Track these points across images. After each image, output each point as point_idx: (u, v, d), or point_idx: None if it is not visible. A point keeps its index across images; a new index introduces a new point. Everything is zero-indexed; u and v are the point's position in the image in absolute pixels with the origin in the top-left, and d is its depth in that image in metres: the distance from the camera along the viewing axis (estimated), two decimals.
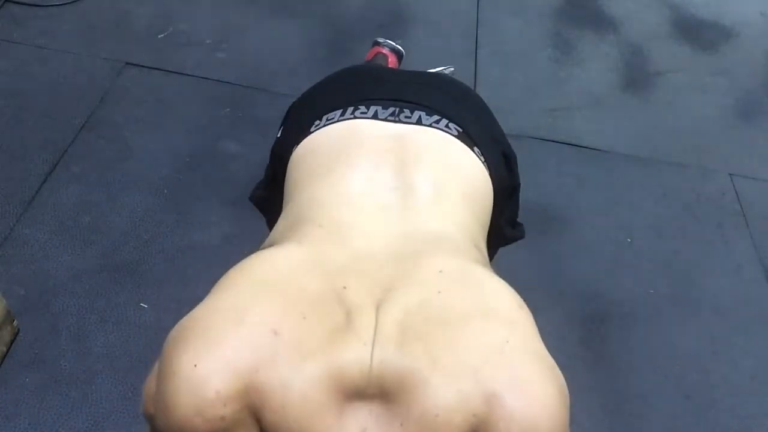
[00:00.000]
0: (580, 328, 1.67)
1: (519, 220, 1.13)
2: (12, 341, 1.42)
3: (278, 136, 1.07)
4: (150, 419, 0.66)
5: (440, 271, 0.69)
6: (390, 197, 0.82)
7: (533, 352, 0.65)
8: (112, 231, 1.66)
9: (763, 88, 2.50)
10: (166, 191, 1.78)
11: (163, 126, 1.95)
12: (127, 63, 2.10)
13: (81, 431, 1.33)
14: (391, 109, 0.93)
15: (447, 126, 0.92)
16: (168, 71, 2.10)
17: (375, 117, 0.92)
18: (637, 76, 2.44)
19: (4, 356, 1.40)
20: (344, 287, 0.67)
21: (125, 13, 2.29)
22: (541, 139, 2.14)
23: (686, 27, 2.71)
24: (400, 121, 0.92)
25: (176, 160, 1.86)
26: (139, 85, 2.05)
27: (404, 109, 0.93)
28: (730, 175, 2.14)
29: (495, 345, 0.64)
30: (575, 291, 1.75)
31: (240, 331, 0.61)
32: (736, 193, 2.08)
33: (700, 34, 2.69)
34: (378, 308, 0.66)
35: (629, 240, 1.90)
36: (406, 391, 0.60)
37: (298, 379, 0.59)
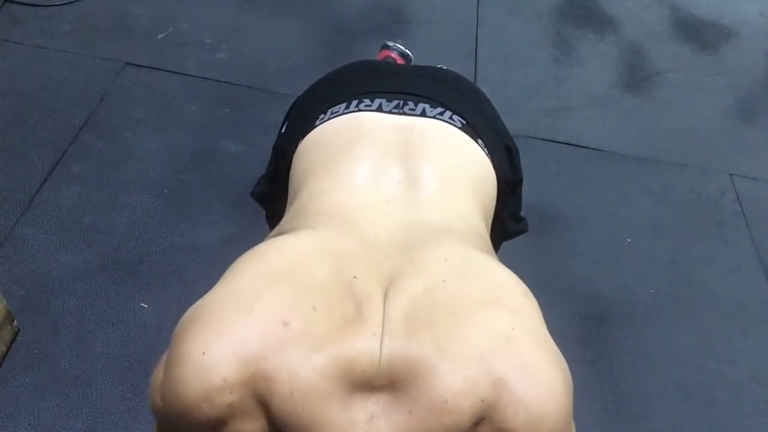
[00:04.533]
0: (579, 329, 1.67)
1: (521, 215, 1.13)
2: (12, 341, 1.42)
3: (281, 131, 1.07)
4: (157, 412, 0.66)
5: (445, 260, 0.70)
6: (395, 189, 0.82)
7: (538, 338, 0.66)
8: (112, 231, 1.66)
9: (763, 88, 2.50)
10: (166, 191, 1.78)
11: (163, 126, 1.95)
12: (127, 63, 2.10)
13: (81, 431, 1.33)
14: (395, 102, 0.93)
15: (451, 118, 0.93)
16: (168, 71, 2.10)
17: (379, 109, 0.92)
18: (637, 76, 2.44)
19: (4, 356, 1.40)
20: (354, 276, 0.67)
21: (125, 13, 2.29)
22: (541, 139, 2.14)
23: (686, 27, 2.71)
24: (404, 113, 0.92)
25: (176, 160, 1.86)
26: (139, 85, 2.05)
27: (408, 102, 0.94)
28: (730, 175, 2.14)
29: (501, 331, 0.64)
30: (575, 291, 1.75)
31: (249, 319, 0.62)
32: (736, 193, 2.08)
33: (700, 34, 2.69)
34: (385, 297, 0.66)
35: (629, 240, 1.90)
36: (414, 379, 0.60)
37: (306, 368, 0.59)
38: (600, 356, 1.63)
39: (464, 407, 0.60)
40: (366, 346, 0.61)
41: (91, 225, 1.67)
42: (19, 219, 1.65)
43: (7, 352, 1.40)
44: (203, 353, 0.60)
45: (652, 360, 1.63)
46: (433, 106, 0.93)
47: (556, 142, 2.14)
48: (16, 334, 1.43)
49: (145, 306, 1.53)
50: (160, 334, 1.47)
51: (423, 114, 0.92)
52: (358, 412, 0.60)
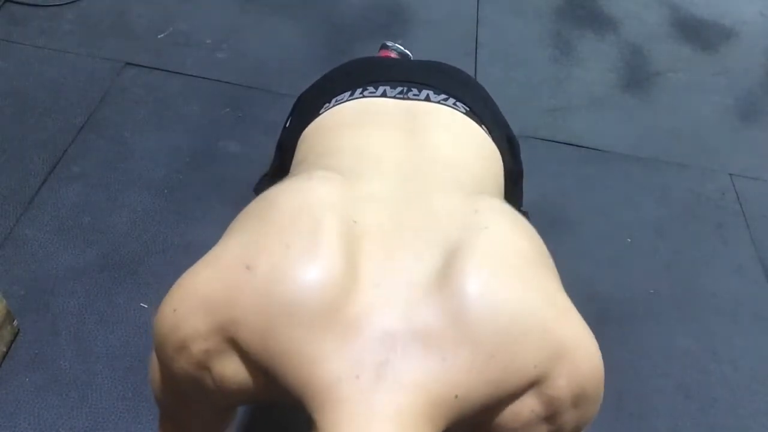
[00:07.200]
0: None
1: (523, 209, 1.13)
2: (12, 341, 1.42)
3: (286, 125, 1.07)
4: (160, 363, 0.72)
5: (476, 211, 0.70)
6: (404, 153, 0.82)
7: (575, 311, 0.69)
8: (112, 231, 1.66)
9: (763, 88, 2.50)
10: (166, 191, 1.78)
11: (163, 126, 1.95)
12: (127, 63, 2.10)
13: (81, 431, 1.33)
14: (399, 88, 0.94)
15: (455, 104, 0.93)
16: (168, 71, 2.10)
17: (384, 95, 0.93)
18: (637, 76, 2.44)
19: (4, 356, 1.40)
20: (354, 221, 0.67)
21: (125, 13, 2.29)
22: (541, 139, 2.14)
23: (686, 27, 2.71)
24: (408, 98, 0.93)
25: (176, 160, 1.86)
26: (139, 85, 2.05)
27: (412, 88, 0.94)
28: (730, 175, 2.14)
29: (556, 298, 0.67)
30: (575, 291, 1.74)
31: (213, 271, 0.66)
32: (736, 193, 2.08)
33: (700, 34, 2.69)
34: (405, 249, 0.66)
35: (629, 240, 1.90)
36: (452, 329, 0.60)
37: (266, 308, 0.61)
38: None
39: (525, 370, 0.60)
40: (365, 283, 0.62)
41: (91, 225, 1.67)
42: (19, 219, 1.65)
43: (7, 352, 1.40)
44: (174, 310, 0.66)
45: (652, 360, 1.63)
46: (436, 93, 0.94)
47: (556, 142, 2.14)
48: (16, 334, 1.43)
49: (145, 306, 1.53)
50: None
51: (427, 99, 0.93)
52: (360, 353, 0.59)
